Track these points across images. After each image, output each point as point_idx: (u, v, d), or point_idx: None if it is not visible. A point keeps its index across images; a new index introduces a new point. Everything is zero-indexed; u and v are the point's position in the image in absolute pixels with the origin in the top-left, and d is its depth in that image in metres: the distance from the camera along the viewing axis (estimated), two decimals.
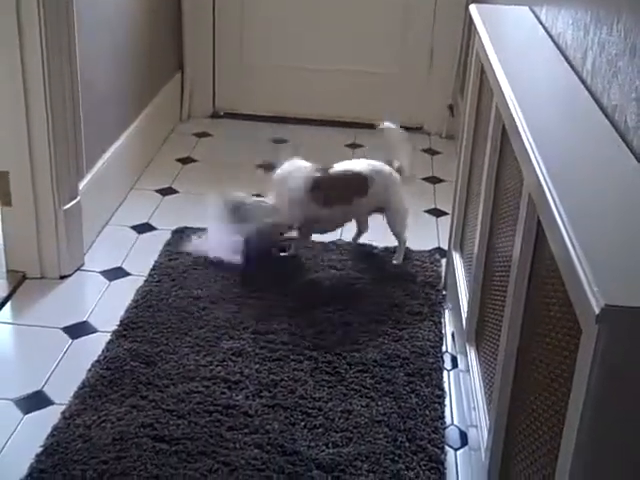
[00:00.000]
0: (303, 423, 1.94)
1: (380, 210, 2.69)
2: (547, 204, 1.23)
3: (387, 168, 2.64)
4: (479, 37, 2.12)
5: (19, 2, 2.27)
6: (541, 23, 2.18)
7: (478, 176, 2.19)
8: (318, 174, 2.57)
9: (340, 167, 2.62)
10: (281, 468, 1.80)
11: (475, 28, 2.21)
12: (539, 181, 1.30)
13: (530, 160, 1.38)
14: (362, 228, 2.80)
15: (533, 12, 2.29)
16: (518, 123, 1.53)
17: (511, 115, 1.59)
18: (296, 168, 2.59)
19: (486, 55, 1.97)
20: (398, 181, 2.66)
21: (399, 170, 2.67)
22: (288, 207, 2.54)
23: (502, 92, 1.71)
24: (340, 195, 2.57)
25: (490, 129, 1.96)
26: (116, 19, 3.01)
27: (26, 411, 1.98)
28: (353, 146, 3.68)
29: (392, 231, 2.72)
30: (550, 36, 2.06)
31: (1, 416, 1.96)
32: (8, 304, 2.40)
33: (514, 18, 2.30)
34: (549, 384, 1.29)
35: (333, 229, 2.73)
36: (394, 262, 2.68)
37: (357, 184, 2.58)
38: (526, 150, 1.42)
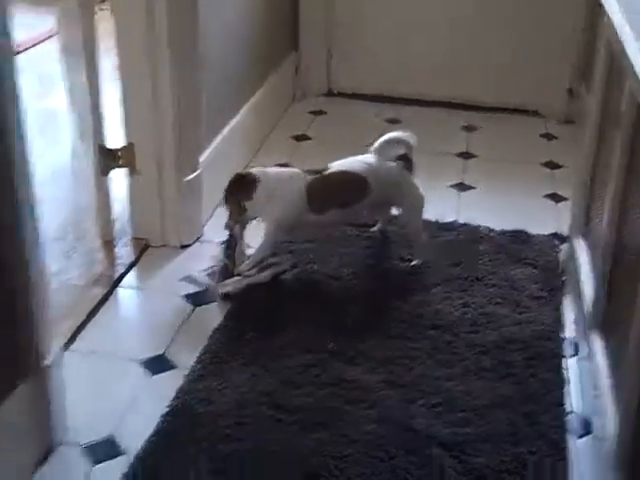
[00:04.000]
0: (421, 401, 1.93)
1: (389, 205, 2.53)
2: None
3: (389, 165, 2.40)
4: (608, 15, 2.05)
5: None
6: None
7: (605, 161, 2.13)
8: (310, 178, 2.33)
9: (336, 167, 2.37)
10: (399, 444, 1.80)
11: (603, 6, 2.14)
12: None
13: None
14: (384, 223, 2.62)
15: None
16: None
17: None
18: (283, 174, 2.38)
19: (617, 35, 1.90)
20: (405, 176, 2.41)
21: (407, 161, 2.42)
22: (281, 217, 2.33)
23: (637, 74, 1.65)
24: (335, 200, 2.34)
25: (622, 112, 1.90)
26: None
27: (152, 372, 2.05)
28: (469, 128, 3.63)
29: (406, 230, 2.53)
30: None
31: (130, 376, 2.03)
32: (133, 270, 2.48)
33: None
34: None
35: (321, 235, 2.57)
36: (414, 263, 2.47)
37: (355, 188, 2.35)
38: None
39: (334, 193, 2.36)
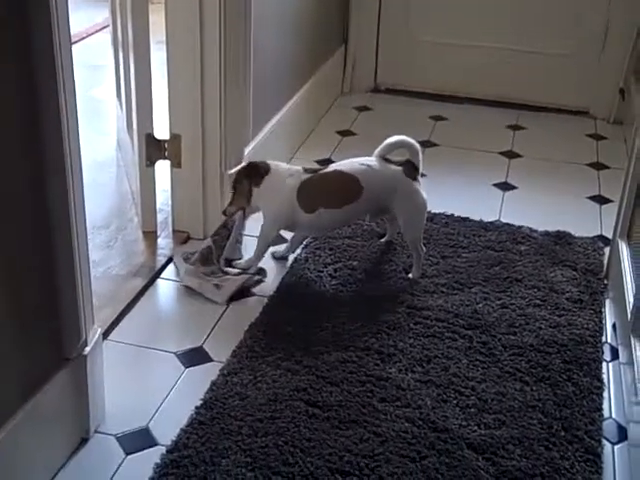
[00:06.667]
0: (455, 401, 1.93)
1: (387, 212, 2.44)
2: None
3: (388, 168, 2.34)
4: None
5: None
6: None
7: None
8: (306, 176, 2.34)
9: (333, 167, 2.37)
10: (432, 444, 1.80)
11: None
12: None
13: None
14: (390, 231, 2.58)
15: None
16: None
17: None
18: (288, 170, 2.37)
19: None
20: (403, 181, 2.33)
21: (411, 167, 2.34)
22: (275, 211, 2.36)
23: None
24: (323, 199, 2.32)
25: None
26: None
27: (187, 365, 2.07)
28: (515, 127, 3.59)
29: (403, 240, 2.48)
30: None
31: (166, 368, 2.05)
32: (172, 263, 2.50)
33: None
34: None
35: (318, 235, 2.57)
36: (409, 276, 2.42)
37: (345, 188, 2.32)
38: None
39: (323, 192, 2.35)
